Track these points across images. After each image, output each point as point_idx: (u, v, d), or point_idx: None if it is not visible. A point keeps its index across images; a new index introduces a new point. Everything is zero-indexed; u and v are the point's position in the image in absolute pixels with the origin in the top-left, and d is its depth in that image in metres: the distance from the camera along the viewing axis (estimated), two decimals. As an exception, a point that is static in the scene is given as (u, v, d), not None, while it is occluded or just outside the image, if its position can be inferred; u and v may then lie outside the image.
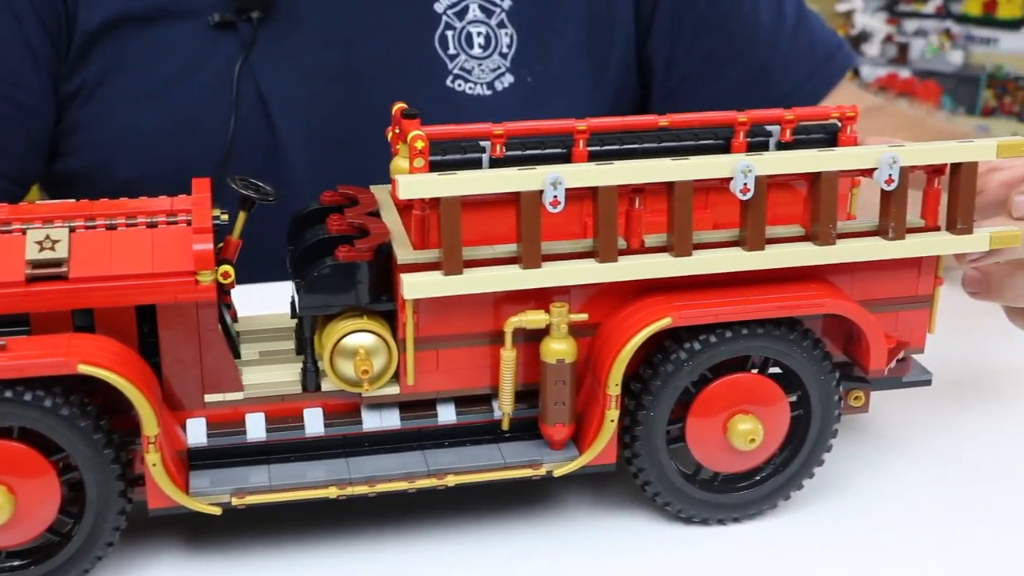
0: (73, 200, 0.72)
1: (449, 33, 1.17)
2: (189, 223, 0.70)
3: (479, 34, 1.18)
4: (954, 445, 0.85)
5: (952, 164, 0.75)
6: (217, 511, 0.69)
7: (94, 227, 0.70)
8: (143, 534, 0.73)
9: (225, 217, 0.72)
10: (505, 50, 1.19)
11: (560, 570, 0.72)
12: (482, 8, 1.18)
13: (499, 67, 1.18)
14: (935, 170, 0.76)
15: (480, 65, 1.18)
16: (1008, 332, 0.88)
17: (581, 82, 1.22)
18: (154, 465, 0.67)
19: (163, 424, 0.68)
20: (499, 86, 1.18)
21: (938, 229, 0.77)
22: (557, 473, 0.73)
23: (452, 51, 1.17)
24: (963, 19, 2.98)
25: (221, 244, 0.72)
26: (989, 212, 0.82)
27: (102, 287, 0.67)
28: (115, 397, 0.67)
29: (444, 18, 1.17)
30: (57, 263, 0.67)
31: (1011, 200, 0.80)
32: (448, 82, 1.17)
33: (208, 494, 0.69)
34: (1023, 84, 2.93)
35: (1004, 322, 0.88)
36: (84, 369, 0.65)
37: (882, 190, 0.74)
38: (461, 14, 1.18)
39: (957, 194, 0.76)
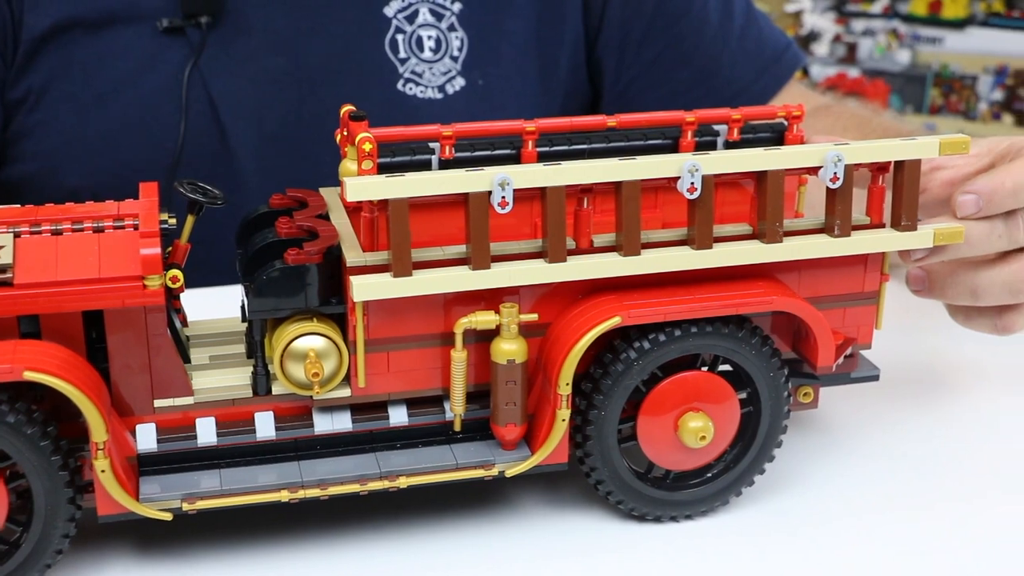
0: (19, 206, 0.71)
1: (399, 37, 1.17)
2: (136, 228, 0.70)
3: (429, 38, 1.18)
4: (901, 439, 0.85)
5: (896, 162, 0.76)
6: (168, 517, 0.69)
7: (39, 233, 0.69)
8: (93, 541, 0.73)
9: (173, 221, 0.72)
10: (456, 53, 1.19)
11: (514, 570, 0.72)
12: (432, 12, 1.18)
13: (450, 70, 1.18)
14: (879, 168, 0.76)
15: (431, 68, 1.18)
16: (953, 328, 0.89)
17: (531, 84, 1.22)
18: (103, 472, 0.67)
19: (112, 430, 0.67)
20: (450, 89, 1.18)
21: (883, 226, 0.77)
22: (509, 473, 0.73)
23: (403, 55, 1.17)
24: (910, 19, 3.01)
25: (170, 248, 0.72)
26: (932, 211, 0.83)
27: (48, 293, 0.67)
28: (63, 403, 0.66)
29: (394, 22, 1.17)
30: (1, 269, 0.66)
31: (954, 200, 0.80)
32: (399, 86, 1.17)
33: (158, 500, 0.69)
34: (968, 83, 2.96)
35: (949, 318, 0.89)
36: (30, 376, 0.64)
37: (828, 188, 0.75)
38: (411, 18, 1.18)
39: (901, 191, 0.76)
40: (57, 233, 0.70)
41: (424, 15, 1.18)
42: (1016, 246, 0.83)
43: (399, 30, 1.17)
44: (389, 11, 1.17)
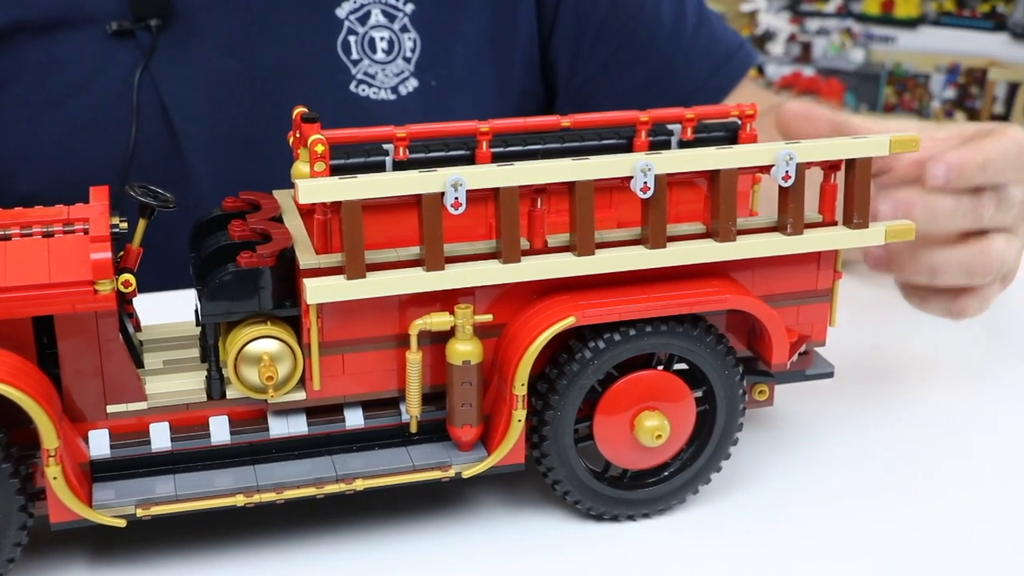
0: (-34, 212, 0.71)
1: (352, 38, 1.17)
2: (86, 232, 0.69)
3: (382, 39, 1.18)
4: (856, 435, 0.86)
5: (847, 160, 0.76)
6: (121, 523, 0.68)
7: (-12, 238, 0.69)
8: (46, 549, 0.72)
9: (124, 225, 0.71)
10: (408, 54, 1.19)
11: (472, 570, 0.72)
12: (384, 13, 1.18)
13: (403, 71, 1.18)
14: (831, 166, 0.77)
15: (384, 70, 1.18)
16: (905, 325, 0.90)
17: (485, 85, 1.22)
18: (55, 479, 0.66)
19: (64, 436, 0.67)
20: (403, 90, 1.18)
21: (835, 224, 0.78)
22: (466, 474, 0.73)
23: (355, 56, 1.17)
24: (863, 18, 3.05)
25: (121, 253, 0.71)
26: (899, 191, 0.83)
27: (-3, 299, 0.66)
28: (13, 410, 0.65)
29: (346, 23, 1.17)
30: (-50, 276, 0.66)
31: (925, 169, 0.81)
32: (352, 87, 1.17)
33: (112, 506, 0.68)
34: (921, 81, 3.00)
35: (902, 314, 0.90)
36: (-21, 383, 0.64)
37: (780, 187, 0.75)
38: (363, 19, 1.18)
39: (853, 189, 0.77)
40: (5, 239, 0.69)
41: (376, 16, 1.18)
42: (979, 226, 0.84)
43: (351, 31, 1.17)
44: (341, 12, 1.17)
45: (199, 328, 0.74)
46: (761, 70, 2.98)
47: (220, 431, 0.71)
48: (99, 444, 0.70)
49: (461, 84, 1.20)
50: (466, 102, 1.20)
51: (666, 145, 0.79)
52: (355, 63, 1.17)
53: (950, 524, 0.77)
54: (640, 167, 0.71)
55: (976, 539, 0.75)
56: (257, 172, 1.12)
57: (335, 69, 1.17)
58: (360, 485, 0.71)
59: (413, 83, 1.19)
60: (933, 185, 0.80)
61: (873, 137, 0.76)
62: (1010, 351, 0.99)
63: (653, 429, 0.74)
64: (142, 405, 0.70)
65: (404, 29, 1.18)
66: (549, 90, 1.28)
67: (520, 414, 0.72)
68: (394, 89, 1.18)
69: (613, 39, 1.25)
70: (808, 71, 3.11)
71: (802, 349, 0.80)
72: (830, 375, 0.82)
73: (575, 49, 1.25)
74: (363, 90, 1.17)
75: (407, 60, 1.18)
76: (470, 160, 0.74)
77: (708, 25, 1.29)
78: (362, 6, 1.17)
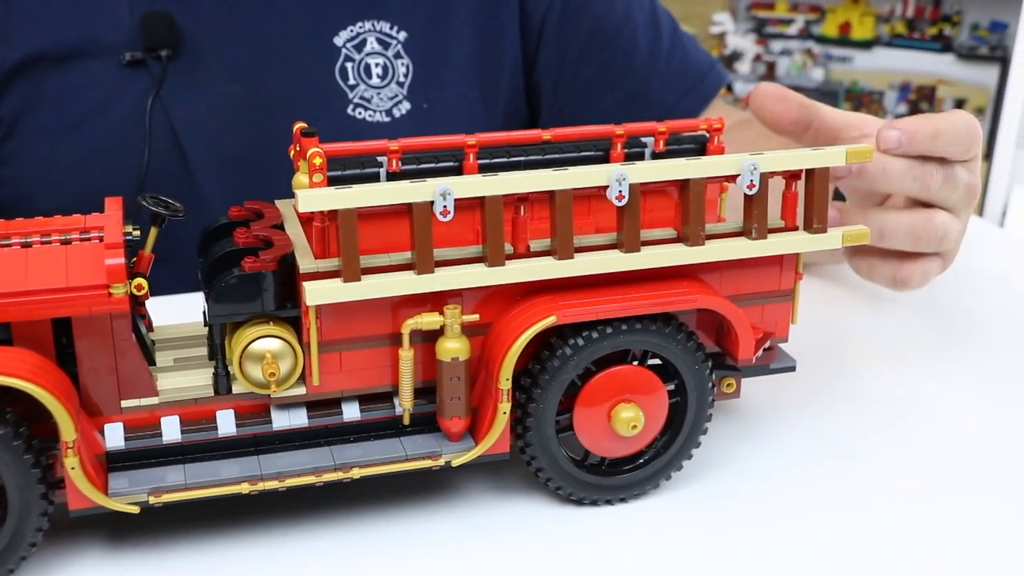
0: (-10, 222, 0.71)
1: (349, 65, 1.18)
2: (102, 239, 0.70)
3: (377, 65, 1.19)
4: (817, 424, 0.87)
5: (807, 170, 0.77)
6: (135, 510, 0.69)
7: (9, 245, 0.69)
8: (65, 534, 0.72)
9: (137, 233, 0.72)
10: (402, 79, 1.19)
11: (461, 551, 0.73)
12: (379, 41, 1.19)
13: (396, 95, 1.19)
14: (792, 175, 0.78)
15: (379, 94, 1.19)
16: (862, 321, 0.91)
17: (473, 107, 1.23)
18: (73, 468, 0.67)
19: (81, 429, 0.67)
20: (397, 113, 1.19)
21: (796, 229, 0.79)
22: (455, 463, 0.74)
23: (352, 81, 1.18)
24: (822, 40, 3.07)
25: (135, 259, 0.72)
26: (853, 181, 0.84)
27: (18, 302, 0.66)
28: (34, 405, 0.66)
29: (344, 51, 1.18)
30: (-26, 280, 0.66)
31: (880, 135, 0.81)
32: (349, 110, 1.18)
33: (126, 494, 0.69)
34: (876, 97, 3.02)
35: (859, 313, 0.90)
36: (2, 380, 0.64)
37: (745, 194, 0.76)
38: (359, 47, 1.18)
39: (812, 196, 0.78)
40: (27, 246, 0.69)
41: (372, 44, 1.19)
42: (926, 195, 0.85)
43: (348, 58, 1.18)
44: (339, 40, 1.18)
45: (207, 328, 0.74)
46: (730, 87, 3.00)
47: (226, 424, 0.72)
48: (114, 436, 0.70)
49: (451, 106, 1.21)
50: (455, 123, 1.21)
51: (640, 157, 0.79)
52: (352, 88, 1.18)
53: (906, 506, 0.77)
54: (616, 177, 0.72)
55: (933, 520, 0.76)
56: (261, 189, 1.13)
57: (333, 93, 1.17)
58: (357, 473, 0.72)
59: (406, 106, 1.19)
60: (887, 148, 0.81)
61: (830, 148, 0.77)
62: (960, 344, 1.00)
63: (629, 420, 0.75)
64: (154, 400, 0.71)
65: (398, 55, 1.19)
66: (533, 111, 1.29)
67: (505, 407, 0.73)
68: (388, 112, 1.19)
69: (592, 63, 1.26)
70: (772, 88, 3.15)
71: (766, 345, 0.81)
72: (792, 369, 0.83)
73: (557, 73, 1.26)
74: (359, 113, 1.18)
75: (400, 84, 1.19)
76: (458, 171, 0.75)
77: (681, 48, 1.29)
78: (358, 34, 1.18)
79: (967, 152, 0.86)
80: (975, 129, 0.86)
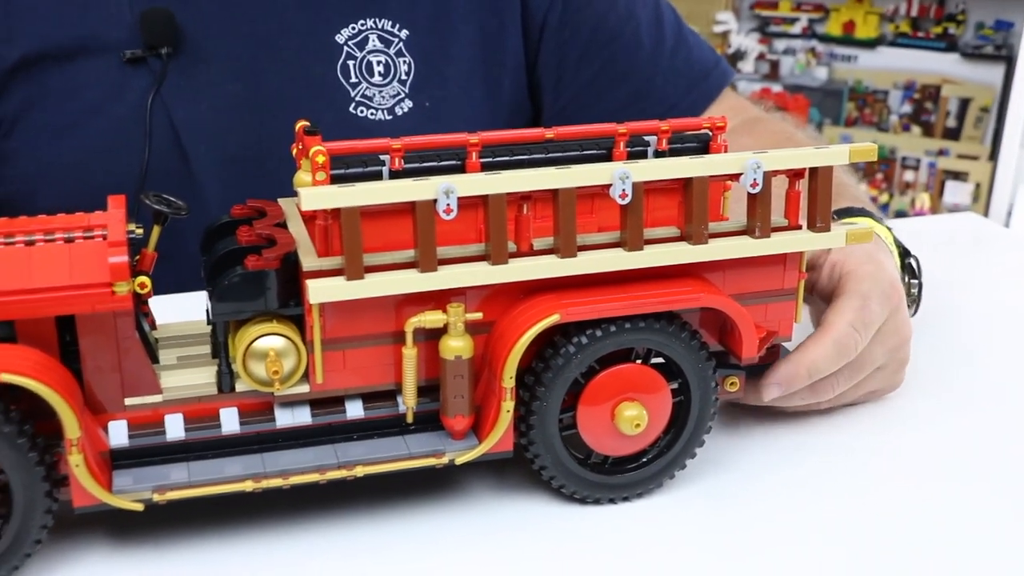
0: (-7, 220, 0.72)
1: (351, 63, 1.18)
2: (105, 237, 0.70)
3: (379, 63, 1.19)
4: (821, 423, 0.87)
5: (810, 168, 0.78)
6: (139, 507, 0.70)
7: (13, 244, 0.70)
8: (70, 531, 0.73)
9: (140, 231, 0.72)
10: (404, 77, 1.20)
11: (464, 550, 0.73)
12: (381, 39, 1.19)
13: (399, 93, 1.20)
14: (795, 174, 0.78)
15: (380, 92, 1.19)
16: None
17: (476, 105, 1.23)
18: (77, 466, 0.67)
19: (85, 427, 0.68)
20: (399, 111, 1.19)
21: (800, 227, 0.79)
22: (459, 461, 0.74)
23: (354, 79, 1.18)
24: (826, 39, 3.08)
25: (138, 257, 0.73)
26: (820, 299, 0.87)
27: (22, 300, 0.67)
28: (39, 403, 0.67)
29: (345, 49, 1.18)
30: (-23, 278, 0.67)
31: (761, 392, 0.82)
32: (351, 108, 1.18)
33: (130, 491, 0.69)
34: (880, 97, 3.03)
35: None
36: (6, 378, 0.65)
37: (748, 193, 0.77)
38: (361, 45, 1.19)
39: (815, 196, 0.78)
40: (30, 244, 0.70)
41: (373, 41, 1.19)
42: (854, 382, 0.86)
43: (350, 56, 1.18)
44: (340, 38, 1.18)
45: (210, 326, 0.75)
46: (734, 86, 3.02)
47: (230, 422, 0.72)
48: (118, 434, 0.71)
49: (453, 104, 1.21)
50: (458, 121, 1.21)
51: (643, 155, 0.80)
52: (354, 86, 1.18)
53: (908, 506, 0.78)
54: (619, 175, 0.73)
55: (935, 520, 0.77)
56: (263, 188, 1.13)
57: (335, 92, 1.18)
58: (360, 471, 0.73)
59: (408, 104, 1.20)
60: (769, 399, 0.83)
61: (833, 147, 0.78)
62: (964, 344, 1.00)
63: (632, 419, 0.75)
64: (157, 398, 0.72)
65: (399, 53, 1.20)
66: (536, 109, 1.29)
67: (509, 405, 0.73)
68: (390, 110, 1.19)
69: (595, 61, 1.26)
70: (776, 87, 3.14)
71: (769, 344, 0.81)
72: (796, 368, 0.83)
73: (559, 71, 1.26)
74: (361, 111, 1.18)
75: (402, 83, 1.20)
76: (461, 169, 0.75)
77: (685, 45, 1.29)
78: (360, 32, 1.19)
79: (846, 359, 0.84)
80: (849, 340, 0.83)
